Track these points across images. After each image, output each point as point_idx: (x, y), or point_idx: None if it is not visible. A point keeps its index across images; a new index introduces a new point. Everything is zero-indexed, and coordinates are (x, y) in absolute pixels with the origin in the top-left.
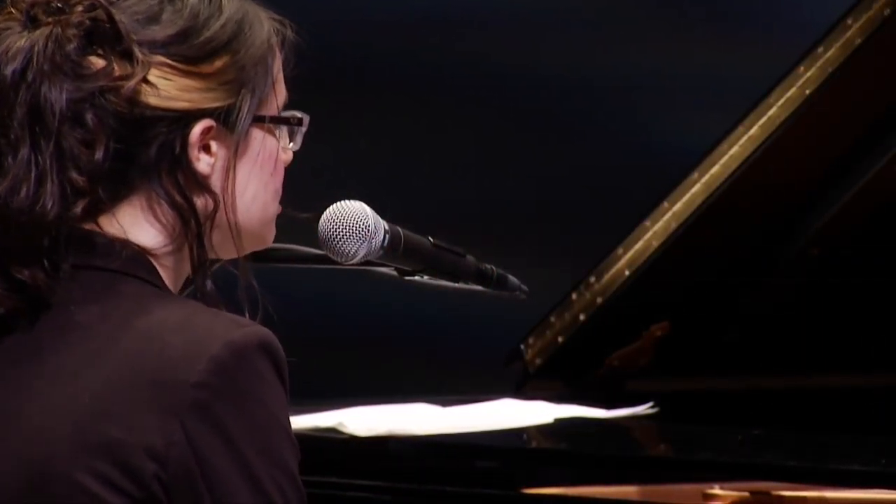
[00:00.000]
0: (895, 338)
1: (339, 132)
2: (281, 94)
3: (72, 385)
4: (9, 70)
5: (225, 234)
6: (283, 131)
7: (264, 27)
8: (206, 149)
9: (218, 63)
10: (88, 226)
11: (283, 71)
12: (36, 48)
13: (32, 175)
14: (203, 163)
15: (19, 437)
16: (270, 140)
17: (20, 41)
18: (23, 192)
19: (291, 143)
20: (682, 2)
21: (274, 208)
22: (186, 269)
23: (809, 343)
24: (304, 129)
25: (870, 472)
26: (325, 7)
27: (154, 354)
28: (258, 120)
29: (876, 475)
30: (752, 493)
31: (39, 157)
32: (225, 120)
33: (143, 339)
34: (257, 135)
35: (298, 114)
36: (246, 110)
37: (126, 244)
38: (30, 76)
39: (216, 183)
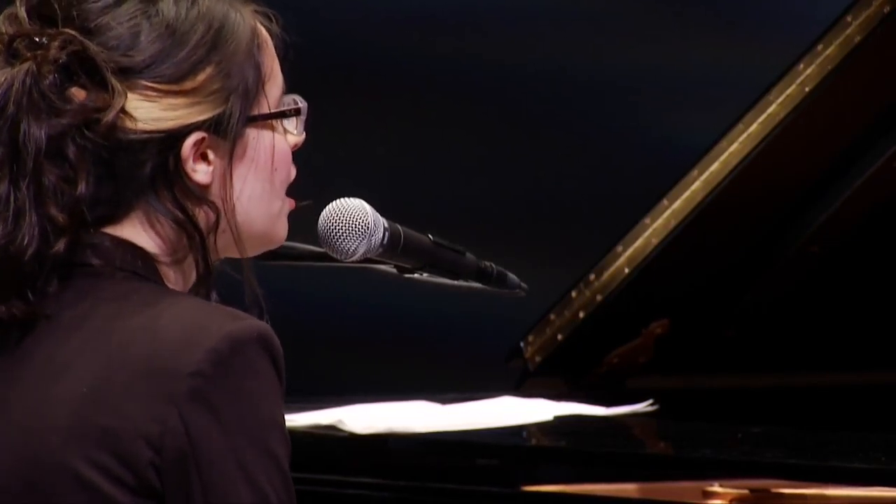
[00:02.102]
0: (894, 335)
1: (339, 130)
2: (275, 85)
3: (67, 376)
4: None
5: (230, 237)
6: (290, 119)
7: (248, 24)
8: (203, 157)
9: (201, 76)
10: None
11: (277, 56)
12: (14, 85)
13: (10, 212)
14: (201, 173)
15: (15, 430)
16: (266, 136)
17: (0, 77)
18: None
19: (296, 129)
20: None
21: (280, 204)
22: (189, 281)
23: (809, 340)
24: (303, 116)
25: (869, 470)
26: (323, 5)
27: (151, 344)
28: (252, 120)
29: (876, 472)
30: (752, 490)
31: (17, 194)
32: (216, 129)
33: (140, 330)
34: (252, 134)
35: (298, 101)
36: (237, 115)
37: (126, 243)
38: (8, 113)
39: (217, 190)
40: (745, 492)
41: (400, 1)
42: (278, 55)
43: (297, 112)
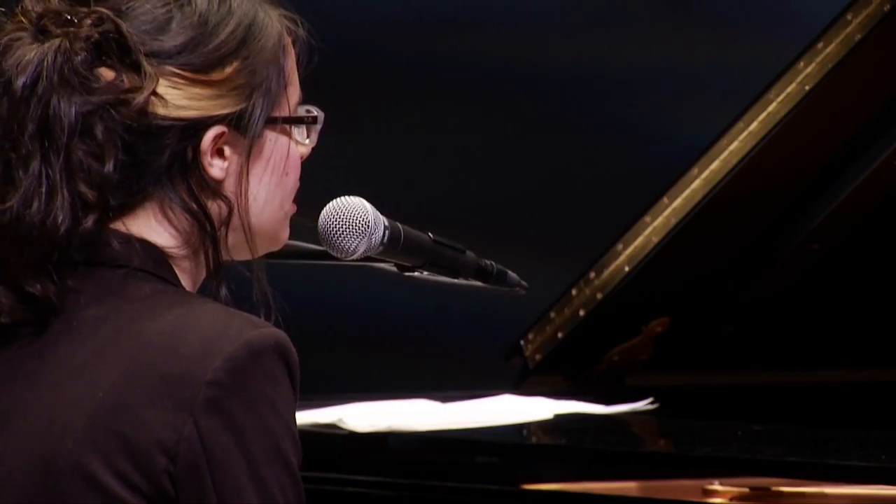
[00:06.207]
0: (894, 333)
1: (339, 129)
2: (295, 92)
3: (85, 379)
4: (19, 83)
5: (240, 236)
6: (301, 128)
7: (276, 27)
8: (219, 153)
9: (228, 69)
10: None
11: (297, 68)
12: (45, 61)
13: (43, 189)
14: (216, 168)
15: (32, 430)
16: (282, 139)
17: (29, 53)
18: (34, 206)
19: (308, 140)
20: None
21: (289, 207)
22: (202, 273)
23: (809, 338)
24: (318, 126)
25: (869, 468)
26: (324, 3)
27: (169, 350)
28: (271, 122)
29: (875, 470)
30: (752, 488)
31: (50, 171)
32: (237, 124)
33: (158, 335)
34: (270, 136)
35: (314, 111)
36: (258, 113)
37: (143, 242)
38: (39, 89)
39: (230, 187)
40: (745, 489)
41: (406, 1)
42: (303, 60)
43: (314, 120)
